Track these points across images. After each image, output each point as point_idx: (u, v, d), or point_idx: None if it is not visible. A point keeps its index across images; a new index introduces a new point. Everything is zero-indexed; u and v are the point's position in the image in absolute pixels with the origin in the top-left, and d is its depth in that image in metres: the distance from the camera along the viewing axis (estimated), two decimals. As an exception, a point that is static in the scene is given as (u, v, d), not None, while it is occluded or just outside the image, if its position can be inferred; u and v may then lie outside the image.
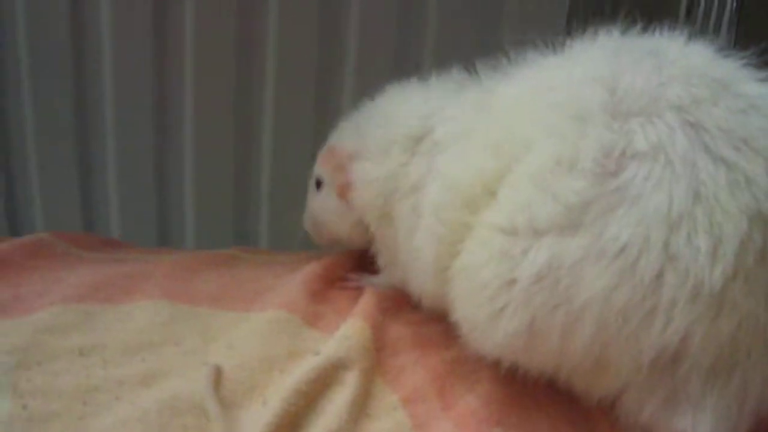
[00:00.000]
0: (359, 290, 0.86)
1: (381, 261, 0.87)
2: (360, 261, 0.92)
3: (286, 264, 0.92)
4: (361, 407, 0.67)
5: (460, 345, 0.73)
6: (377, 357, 0.74)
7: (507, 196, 0.65)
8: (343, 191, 0.86)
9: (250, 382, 0.70)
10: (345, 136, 0.89)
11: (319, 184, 0.91)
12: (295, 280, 0.84)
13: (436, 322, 0.78)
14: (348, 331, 0.74)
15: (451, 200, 0.70)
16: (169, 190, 1.26)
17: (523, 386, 0.68)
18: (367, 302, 0.79)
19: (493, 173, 0.67)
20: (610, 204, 0.58)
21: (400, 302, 0.82)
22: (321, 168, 0.91)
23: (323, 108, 1.24)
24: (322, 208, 0.90)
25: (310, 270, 0.86)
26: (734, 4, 1.11)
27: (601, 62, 0.65)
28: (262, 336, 0.75)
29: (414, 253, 0.75)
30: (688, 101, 0.60)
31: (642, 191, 0.58)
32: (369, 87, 1.24)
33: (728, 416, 0.58)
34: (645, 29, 0.69)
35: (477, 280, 0.65)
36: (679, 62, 0.63)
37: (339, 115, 1.24)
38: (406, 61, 1.22)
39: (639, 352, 0.58)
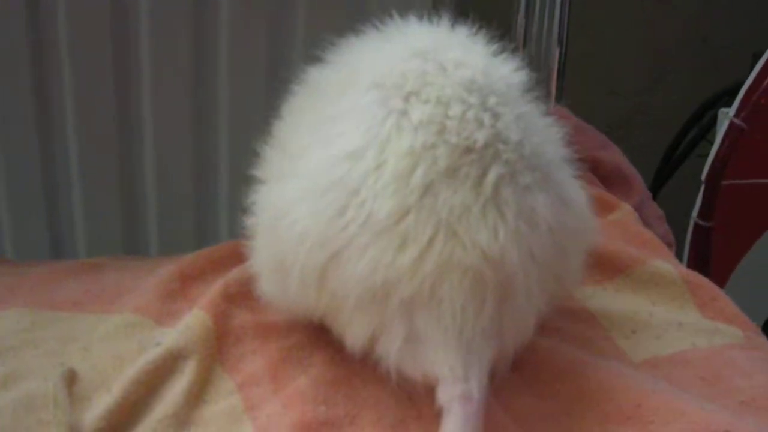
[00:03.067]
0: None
1: None
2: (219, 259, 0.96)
3: (150, 268, 0.97)
4: (198, 394, 0.74)
5: (300, 333, 0.80)
6: (219, 345, 0.79)
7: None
8: None
9: (101, 379, 0.76)
10: None
11: None
12: (152, 284, 0.90)
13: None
14: (189, 322, 0.80)
15: None
16: (58, 201, 1.30)
17: (354, 369, 0.74)
18: (213, 292, 0.84)
19: None
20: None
21: (249, 288, 0.85)
22: None
23: (199, 112, 1.30)
24: None
25: (165, 271, 0.92)
26: None
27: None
28: (116, 337, 0.82)
29: None
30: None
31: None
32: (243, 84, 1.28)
33: (457, 353, 0.64)
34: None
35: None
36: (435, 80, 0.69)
37: (217, 118, 1.29)
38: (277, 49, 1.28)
39: (347, 287, 0.65)
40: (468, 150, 0.65)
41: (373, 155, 0.65)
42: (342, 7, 1.27)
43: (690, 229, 1.45)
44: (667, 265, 0.92)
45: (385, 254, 0.63)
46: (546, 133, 0.73)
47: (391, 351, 0.66)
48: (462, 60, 0.70)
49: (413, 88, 0.67)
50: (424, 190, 0.63)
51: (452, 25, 0.75)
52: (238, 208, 1.07)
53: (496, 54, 0.73)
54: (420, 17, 0.77)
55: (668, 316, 0.86)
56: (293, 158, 0.72)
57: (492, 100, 0.67)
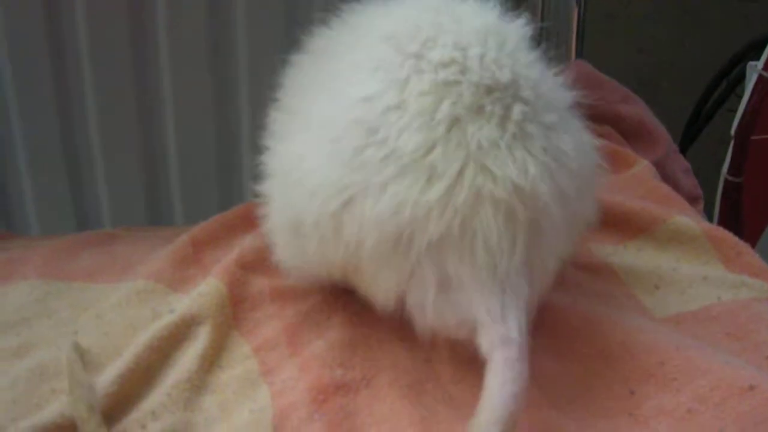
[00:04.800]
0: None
1: None
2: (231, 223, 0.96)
3: (164, 237, 0.96)
4: (213, 359, 0.73)
5: (317, 295, 0.79)
6: (235, 311, 0.79)
7: None
8: None
9: (114, 346, 0.76)
10: None
11: None
12: (165, 251, 0.90)
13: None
14: (203, 289, 0.79)
15: None
16: (82, 175, 1.31)
17: (372, 331, 0.74)
18: (227, 260, 0.84)
19: None
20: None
21: (265, 255, 0.84)
22: None
23: (220, 92, 1.29)
24: None
25: (179, 240, 0.91)
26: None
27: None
28: (129, 305, 0.81)
29: None
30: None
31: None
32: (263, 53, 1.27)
33: (493, 292, 0.62)
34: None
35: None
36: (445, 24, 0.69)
37: (234, 92, 1.29)
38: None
39: (364, 232, 0.63)
40: (490, 89, 0.65)
41: (391, 96, 0.64)
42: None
43: (720, 185, 1.42)
44: (688, 220, 0.89)
45: (410, 191, 0.62)
46: (556, 81, 0.73)
47: (424, 302, 0.64)
48: (475, 12, 0.71)
49: (429, 35, 0.67)
50: (450, 124, 0.63)
51: None
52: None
53: (507, 13, 0.73)
54: None
55: (692, 271, 0.84)
56: (301, 116, 0.72)
57: (509, 45, 0.68)
